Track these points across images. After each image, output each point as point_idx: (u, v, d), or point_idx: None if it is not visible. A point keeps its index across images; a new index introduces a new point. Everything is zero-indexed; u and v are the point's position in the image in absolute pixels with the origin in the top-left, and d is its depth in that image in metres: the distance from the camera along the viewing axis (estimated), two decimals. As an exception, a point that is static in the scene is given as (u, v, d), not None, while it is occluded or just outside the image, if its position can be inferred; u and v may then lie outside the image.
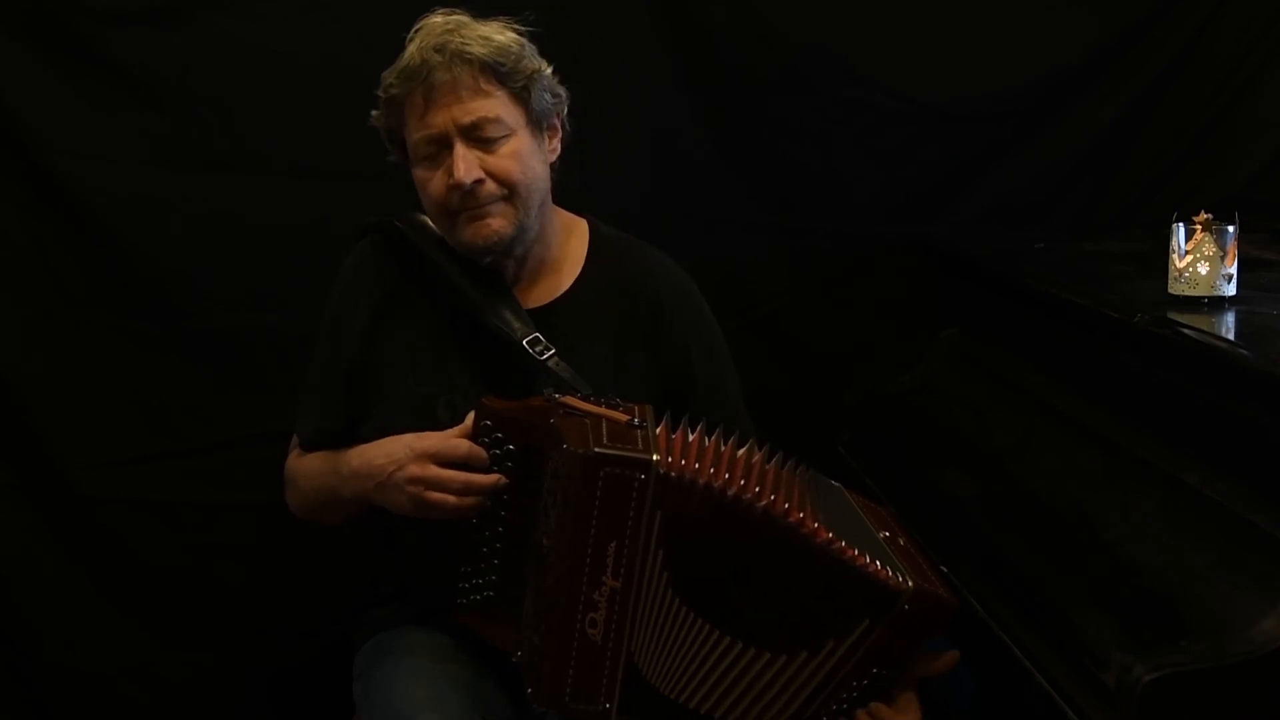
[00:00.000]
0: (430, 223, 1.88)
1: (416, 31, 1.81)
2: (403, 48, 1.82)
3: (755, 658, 1.67)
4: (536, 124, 1.84)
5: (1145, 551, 1.63)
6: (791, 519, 1.64)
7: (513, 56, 1.80)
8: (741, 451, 1.72)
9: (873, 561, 1.67)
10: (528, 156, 1.82)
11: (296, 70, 2.28)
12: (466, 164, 1.77)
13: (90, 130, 2.24)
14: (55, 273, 2.27)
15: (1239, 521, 1.55)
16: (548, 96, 1.85)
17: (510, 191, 1.80)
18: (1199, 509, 1.63)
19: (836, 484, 1.87)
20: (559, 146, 1.89)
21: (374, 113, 1.84)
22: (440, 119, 1.78)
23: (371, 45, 2.25)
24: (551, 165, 1.88)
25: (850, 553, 1.65)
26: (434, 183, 1.81)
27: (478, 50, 1.77)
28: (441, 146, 1.79)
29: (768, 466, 1.73)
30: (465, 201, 1.79)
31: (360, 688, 1.91)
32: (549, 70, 1.86)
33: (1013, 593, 1.73)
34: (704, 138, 2.49)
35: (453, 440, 1.71)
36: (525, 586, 1.70)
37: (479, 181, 1.78)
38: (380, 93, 1.82)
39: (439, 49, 1.77)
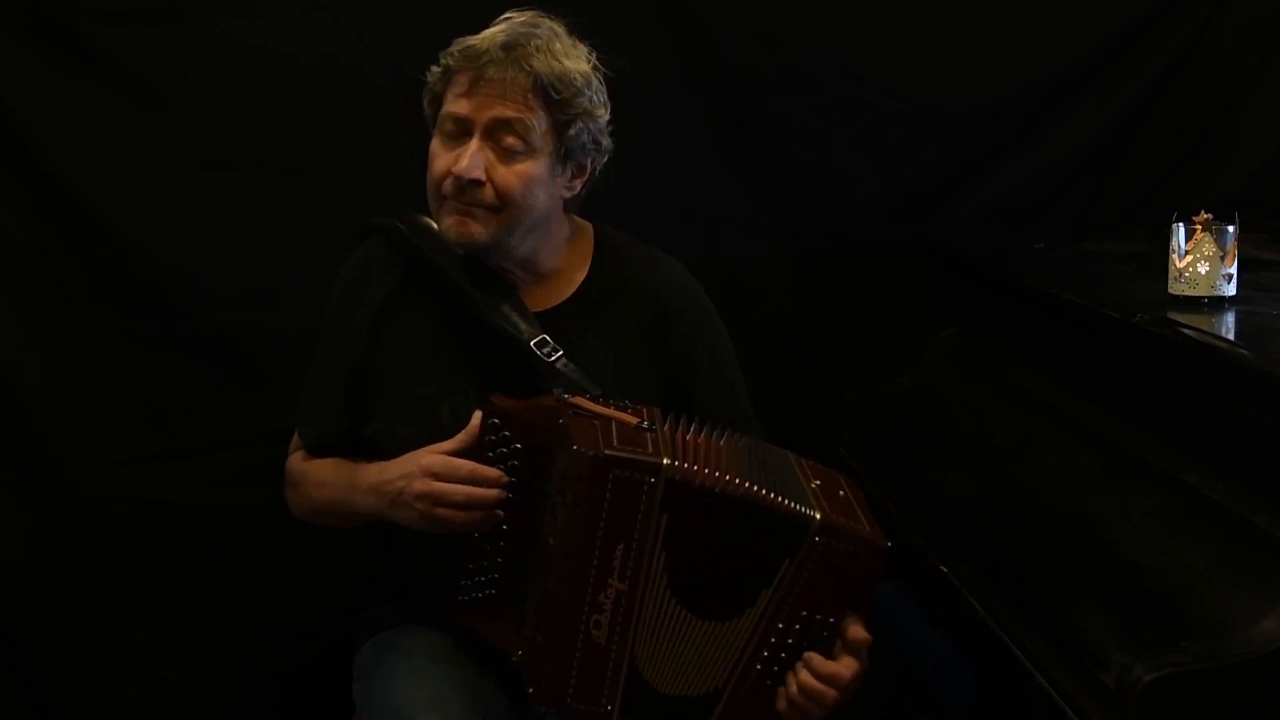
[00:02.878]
0: (432, 223, 1.88)
1: (505, 19, 1.81)
2: (404, 48, 1.82)
3: (724, 633, 1.66)
4: (563, 157, 1.82)
5: (1145, 551, 1.63)
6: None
7: (572, 88, 1.79)
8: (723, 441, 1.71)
9: (779, 498, 1.63)
10: (536, 183, 1.80)
11: (296, 70, 2.28)
12: (473, 160, 1.77)
13: (90, 130, 2.24)
14: (55, 273, 2.27)
15: (1239, 521, 1.56)
16: (588, 140, 1.83)
17: (502, 205, 1.79)
18: (1199, 509, 1.63)
19: (783, 451, 1.81)
20: (580, 188, 1.88)
21: (432, 68, 1.83)
22: (474, 107, 1.77)
23: (371, 45, 2.28)
24: (566, 201, 1.87)
25: (757, 491, 1.63)
26: (440, 161, 1.80)
27: (540, 66, 1.76)
28: (463, 130, 1.79)
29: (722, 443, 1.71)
30: (457, 193, 1.79)
31: (360, 688, 1.91)
32: (605, 118, 1.85)
33: (1013, 593, 1.73)
34: (704, 138, 2.48)
35: (455, 461, 1.70)
36: (528, 586, 1.69)
37: (477, 182, 1.77)
38: (441, 55, 1.81)
39: (507, 46, 1.76)
